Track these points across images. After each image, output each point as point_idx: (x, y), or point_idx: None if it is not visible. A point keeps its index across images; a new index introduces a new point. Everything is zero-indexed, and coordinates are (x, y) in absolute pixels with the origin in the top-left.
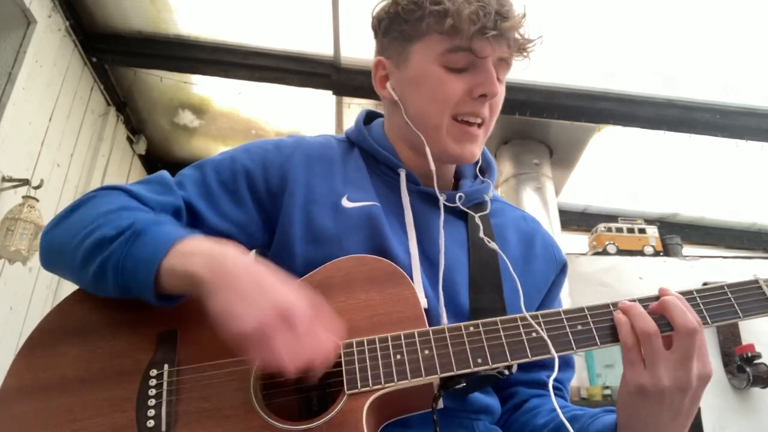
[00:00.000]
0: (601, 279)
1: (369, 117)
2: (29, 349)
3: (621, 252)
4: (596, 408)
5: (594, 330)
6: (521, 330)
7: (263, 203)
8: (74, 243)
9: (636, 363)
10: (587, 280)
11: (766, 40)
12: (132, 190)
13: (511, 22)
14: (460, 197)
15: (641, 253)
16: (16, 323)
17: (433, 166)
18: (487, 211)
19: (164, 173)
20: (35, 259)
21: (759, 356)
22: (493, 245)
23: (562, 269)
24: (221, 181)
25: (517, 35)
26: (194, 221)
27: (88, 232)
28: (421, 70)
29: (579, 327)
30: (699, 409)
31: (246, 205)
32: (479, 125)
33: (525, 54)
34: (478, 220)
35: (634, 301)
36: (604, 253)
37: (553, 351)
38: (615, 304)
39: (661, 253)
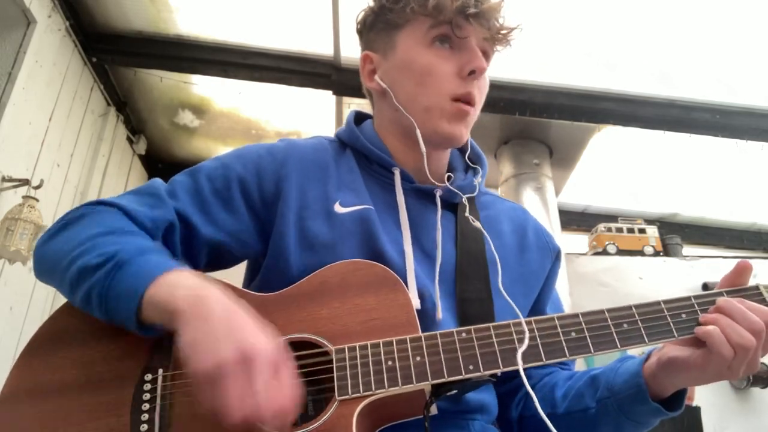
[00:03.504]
0: (601, 279)
1: (359, 118)
2: (30, 353)
3: (621, 252)
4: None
5: (588, 338)
6: (514, 337)
7: (257, 211)
8: (62, 266)
9: (724, 374)
10: (587, 280)
11: (766, 40)
12: (125, 207)
13: (489, 5)
14: (448, 177)
15: (641, 253)
16: (16, 323)
17: (423, 148)
18: (475, 193)
19: (157, 182)
20: None
21: None
22: (477, 224)
23: (556, 257)
24: (214, 189)
25: (496, 22)
26: (188, 232)
27: (74, 256)
28: (408, 54)
29: (573, 334)
30: (699, 408)
31: (240, 214)
32: (471, 104)
33: (505, 42)
34: (465, 201)
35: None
36: (604, 253)
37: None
38: (610, 310)
39: (661, 253)
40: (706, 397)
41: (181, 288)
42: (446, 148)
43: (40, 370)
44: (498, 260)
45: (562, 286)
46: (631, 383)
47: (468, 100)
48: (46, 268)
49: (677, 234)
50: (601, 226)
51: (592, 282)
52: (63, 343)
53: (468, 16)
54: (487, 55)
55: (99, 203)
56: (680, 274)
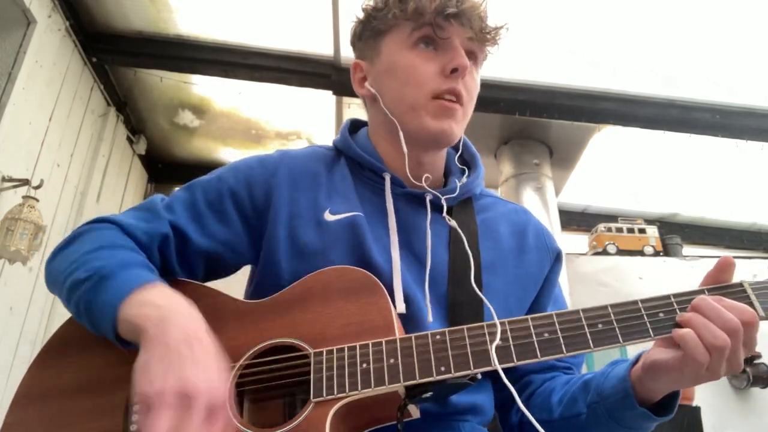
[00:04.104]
0: (601, 279)
1: (355, 126)
2: (42, 358)
3: (621, 252)
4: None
5: (561, 338)
6: (486, 338)
7: (249, 220)
8: (60, 280)
9: (704, 376)
10: (587, 280)
11: (766, 40)
12: (121, 222)
13: (469, 4)
14: (426, 179)
15: (641, 253)
16: (16, 323)
17: (405, 149)
18: (455, 194)
19: (156, 199)
20: (35, 259)
21: (759, 356)
22: (453, 223)
23: (556, 258)
24: (208, 201)
25: (481, 22)
26: (183, 243)
27: (69, 272)
28: (392, 58)
29: (546, 335)
30: (699, 409)
31: (233, 224)
32: (457, 102)
33: (492, 42)
34: (444, 201)
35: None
36: (604, 253)
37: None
38: (585, 310)
39: (661, 253)
40: (705, 397)
41: (149, 306)
42: (438, 147)
43: (49, 375)
44: (471, 258)
45: (562, 286)
46: (618, 388)
47: (453, 95)
48: (51, 284)
49: (677, 234)
50: (601, 226)
51: (592, 282)
52: (70, 349)
53: (448, 16)
54: (474, 56)
55: (100, 220)
56: (680, 274)
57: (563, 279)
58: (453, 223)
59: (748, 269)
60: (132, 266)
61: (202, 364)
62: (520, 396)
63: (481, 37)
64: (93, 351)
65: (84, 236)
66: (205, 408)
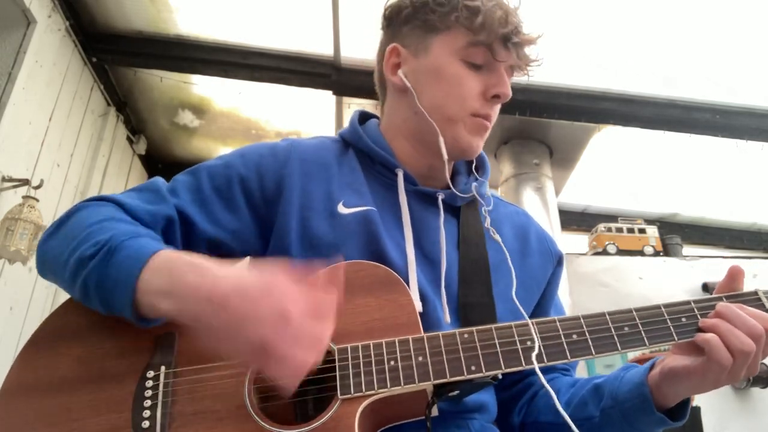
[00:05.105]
0: (601, 279)
1: (362, 118)
2: (32, 348)
3: (621, 252)
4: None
5: (589, 340)
6: (516, 338)
7: (258, 209)
8: (62, 260)
9: (724, 379)
10: (587, 280)
11: (766, 40)
12: (121, 201)
13: (529, 38)
14: (452, 179)
15: (641, 253)
16: (16, 323)
17: (445, 155)
18: (486, 206)
19: (158, 180)
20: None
21: None
22: (497, 237)
23: (558, 262)
24: (215, 187)
25: (528, 55)
26: (187, 229)
27: (72, 249)
28: (440, 62)
29: (574, 336)
30: (699, 409)
31: (240, 212)
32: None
33: (525, 73)
34: (484, 211)
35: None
36: (604, 253)
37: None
38: (611, 313)
39: (661, 253)
40: (706, 397)
41: (163, 296)
42: (462, 159)
43: (40, 366)
44: (513, 269)
45: (562, 286)
46: (636, 393)
47: (488, 120)
48: (48, 266)
49: (677, 234)
50: (601, 226)
51: (592, 282)
52: (64, 339)
53: (509, 44)
54: (510, 77)
55: (96, 199)
56: (680, 274)
57: (563, 279)
58: (497, 237)
59: (749, 269)
60: (142, 236)
61: (248, 314)
62: (522, 398)
63: (522, 67)
64: (90, 342)
65: (82, 212)
66: (302, 311)
